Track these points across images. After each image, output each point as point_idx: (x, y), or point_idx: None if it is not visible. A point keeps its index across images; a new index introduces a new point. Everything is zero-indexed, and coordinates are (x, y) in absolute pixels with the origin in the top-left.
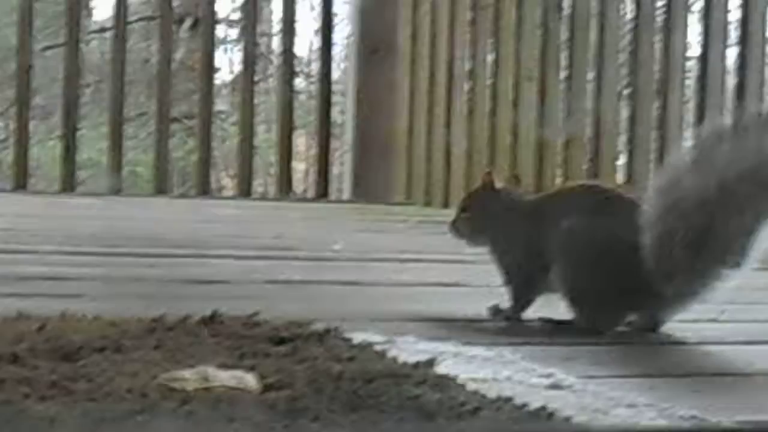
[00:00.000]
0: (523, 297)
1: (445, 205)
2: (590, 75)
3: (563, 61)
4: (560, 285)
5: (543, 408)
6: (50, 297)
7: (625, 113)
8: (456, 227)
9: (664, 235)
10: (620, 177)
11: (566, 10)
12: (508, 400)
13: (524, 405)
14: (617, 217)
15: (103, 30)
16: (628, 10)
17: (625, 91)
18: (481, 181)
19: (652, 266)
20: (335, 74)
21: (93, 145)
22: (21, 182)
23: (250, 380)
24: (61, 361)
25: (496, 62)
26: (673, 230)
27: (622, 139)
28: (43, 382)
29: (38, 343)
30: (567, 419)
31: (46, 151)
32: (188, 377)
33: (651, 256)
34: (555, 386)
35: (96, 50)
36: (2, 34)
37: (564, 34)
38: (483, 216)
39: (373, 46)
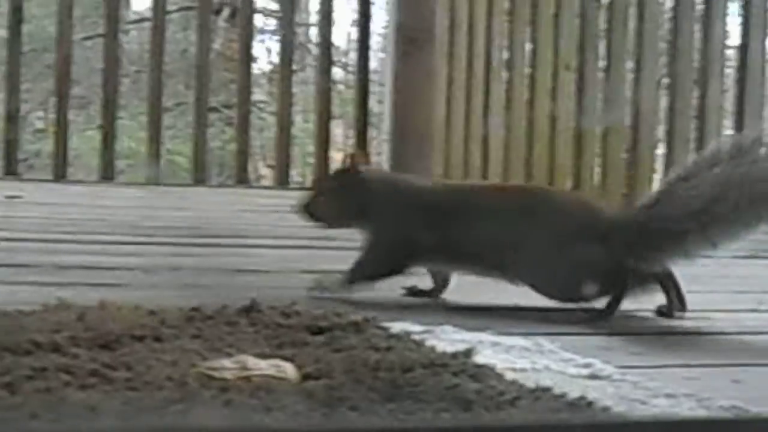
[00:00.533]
0: (366, 276)
1: None
2: (629, 64)
3: (602, 50)
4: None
5: (582, 398)
6: (90, 286)
7: (663, 102)
8: (309, 210)
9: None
10: (659, 166)
11: None
12: (547, 390)
13: (563, 395)
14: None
15: (141, 20)
16: None
17: (665, 81)
18: (345, 162)
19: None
20: (373, 64)
21: (132, 135)
22: (60, 172)
23: (289, 369)
24: (101, 350)
25: (534, 51)
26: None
27: (661, 129)
28: (84, 370)
29: (78, 331)
30: (606, 409)
31: (85, 142)
32: (227, 366)
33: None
34: (594, 376)
35: (135, 40)
36: (42, 25)
37: (603, 23)
38: (347, 199)
39: (411, 35)
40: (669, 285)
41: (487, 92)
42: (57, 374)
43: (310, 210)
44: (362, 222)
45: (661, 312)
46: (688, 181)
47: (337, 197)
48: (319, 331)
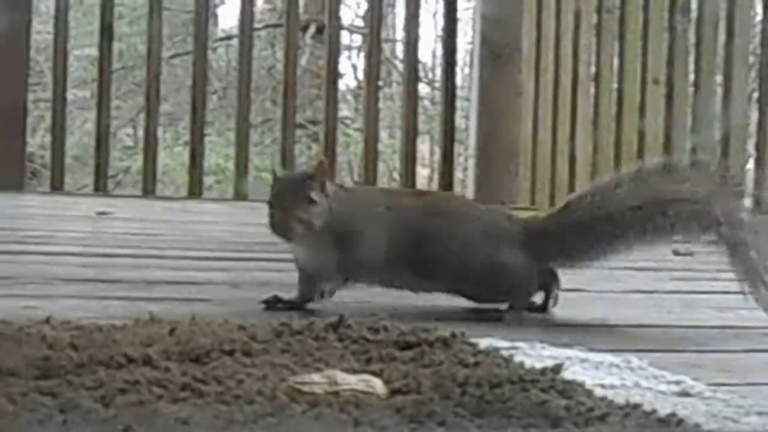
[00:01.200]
0: (316, 293)
1: None
2: (718, 78)
3: (691, 65)
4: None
5: (672, 415)
6: (179, 301)
7: (754, 116)
8: (304, 221)
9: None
10: (749, 181)
11: (694, 12)
12: (637, 406)
13: (653, 412)
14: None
15: (229, 38)
16: (758, 11)
17: (755, 95)
18: (317, 169)
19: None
20: (458, 80)
21: (219, 151)
22: (149, 188)
23: (377, 384)
24: (192, 364)
25: (622, 66)
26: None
27: (751, 143)
28: (175, 383)
29: (170, 345)
30: (697, 426)
31: (173, 158)
32: (317, 380)
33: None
34: (684, 393)
35: (222, 57)
36: (131, 43)
37: (691, 37)
38: (331, 208)
39: (497, 50)
40: (551, 284)
41: (574, 108)
42: (149, 387)
43: (304, 220)
44: (341, 232)
45: (536, 308)
46: (594, 196)
47: (326, 206)
48: (407, 346)
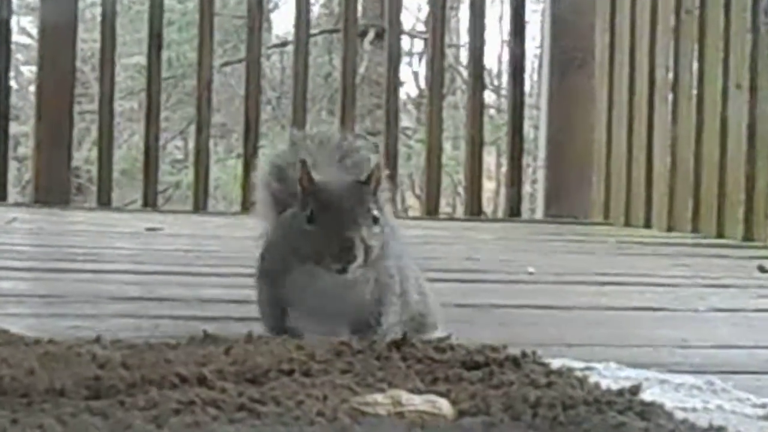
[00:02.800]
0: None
1: (647, 224)
2: None
3: None
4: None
5: None
6: (234, 320)
7: None
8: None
9: None
10: None
11: None
12: (721, 429)
13: None
14: None
15: (283, 44)
16: None
17: None
18: (374, 174)
19: None
20: (526, 86)
21: None
22: (201, 203)
23: (444, 405)
24: (248, 384)
25: (702, 70)
26: None
27: None
28: (232, 404)
29: (225, 365)
30: None
31: (225, 171)
32: (380, 401)
33: None
34: None
35: (276, 65)
36: (181, 51)
37: None
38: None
39: (568, 55)
40: None
41: (650, 115)
42: (204, 408)
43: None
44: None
45: None
46: None
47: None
48: (475, 366)
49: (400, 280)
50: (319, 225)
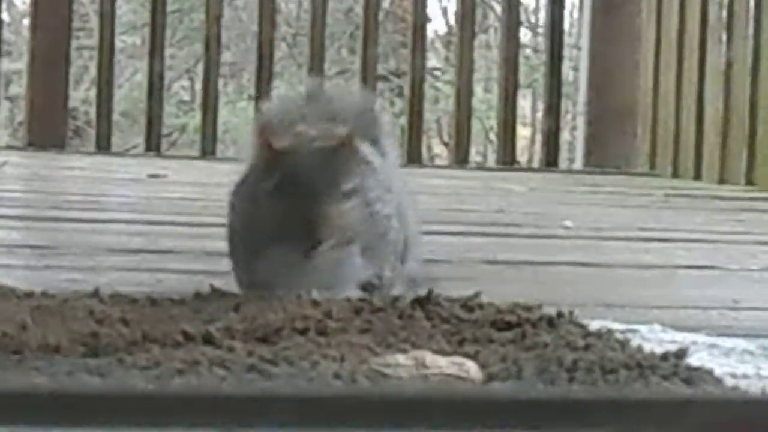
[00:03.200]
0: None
1: (697, 176)
2: None
3: None
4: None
5: None
6: None
7: None
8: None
9: None
10: None
11: None
12: None
13: None
14: None
15: None
16: None
17: None
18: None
19: None
20: (566, 24)
21: None
22: (208, 148)
23: (472, 368)
24: (259, 343)
25: (759, 7)
26: None
27: None
28: (240, 364)
29: (234, 322)
30: None
31: (236, 114)
32: (402, 363)
33: None
34: None
35: None
36: None
37: None
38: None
39: None
40: None
41: (702, 57)
42: (211, 368)
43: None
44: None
45: None
46: None
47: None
48: (507, 326)
49: (399, 226)
50: (282, 199)
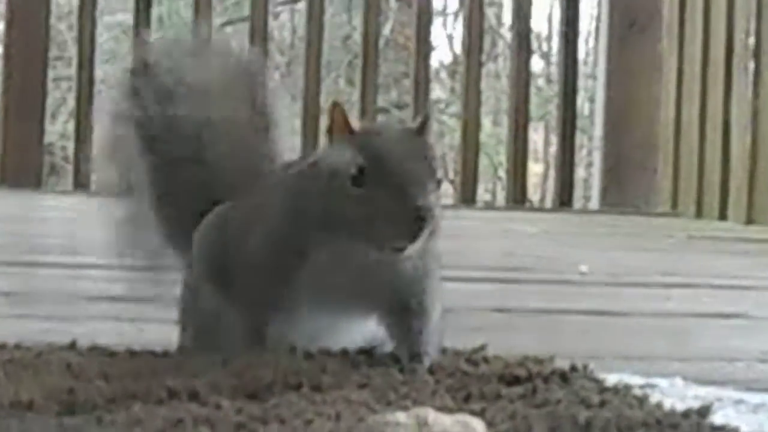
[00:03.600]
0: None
1: (722, 216)
2: None
3: None
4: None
5: None
6: None
7: None
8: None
9: None
10: None
11: None
12: None
13: None
14: None
15: (294, 0)
16: None
17: None
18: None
19: None
20: (581, 53)
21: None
22: None
23: (478, 427)
24: (248, 400)
25: None
26: None
27: None
28: (228, 423)
29: (221, 378)
30: None
31: None
32: (403, 421)
33: None
34: None
35: (286, 25)
36: (175, 8)
37: None
38: None
39: (630, 17)
40: None
41: (728, 87)
42: (196, 427)
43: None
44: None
45: None
46: None
47: None
48: (516, 381)
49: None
50: (372, 189)
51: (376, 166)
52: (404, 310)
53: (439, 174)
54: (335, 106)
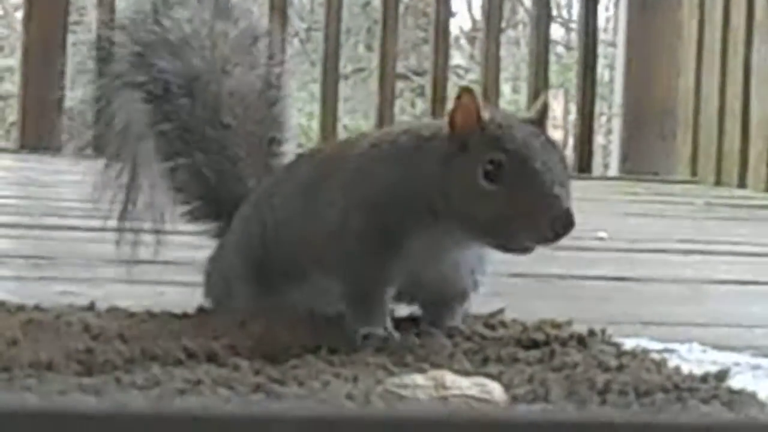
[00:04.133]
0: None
1: (741, 183)
2: None
3: None
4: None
5: None
6: None
7: None
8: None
9: None
10: None
11: None
12: None
13: None
14: None
15: None
16: None
17: None
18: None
19: None
20: (601, 20)
21: (301, 108)
22: None
23: (496, 389)
24: (266, 362)
25: None
26: None
27: None
28: (246, 384)
29: (240, 339)
30: None
31: None
32: (421, 383)
33: None
34: None
35: None
36: None
37: None
38: None
39: None
40: None
41: (748, 55)
42: (214, 388)
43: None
44: None
45: None
46: None
47: None
48: (533, 344)
49: None
50: (511, 187)
51: (516, 162)
52: (462, 292)
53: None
54: (467, 92)
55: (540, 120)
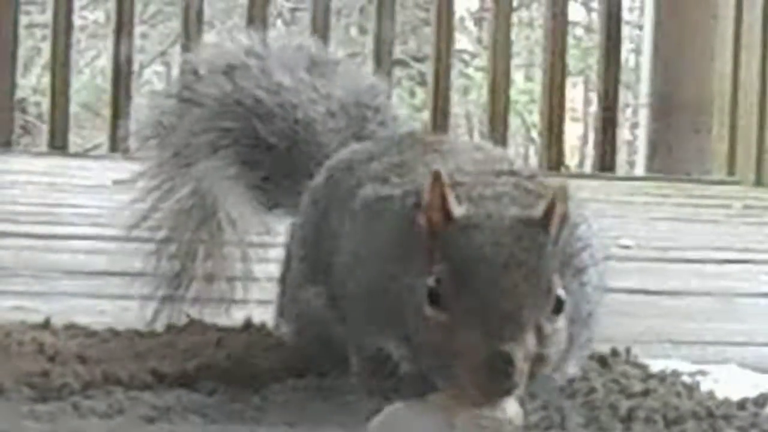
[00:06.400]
0: None
1: None
2: None
3: None
4: None
5: None
6: (228, 302)
7: None
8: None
9: None
10: None
11: None
12: None
13: None
14: None
15: None
16: None
17: None
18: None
19: None
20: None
21: None
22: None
23: (512, 408)
24: (245, 386)
25: None
26: None
27: None
28: (222, 411)
29: (216, 361)
30: None
31: None
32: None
33: None
34: None
35: None
36: None
37: None
38: None
39: None
40: None
41: None
42: (185, 415)
43: None
44: None
45: None
46: None
47: None
48: None
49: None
50: (450, 313)
51: (456, 279)
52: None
53: (560, 293)
54: (435, 178)
55: (544, 222)
